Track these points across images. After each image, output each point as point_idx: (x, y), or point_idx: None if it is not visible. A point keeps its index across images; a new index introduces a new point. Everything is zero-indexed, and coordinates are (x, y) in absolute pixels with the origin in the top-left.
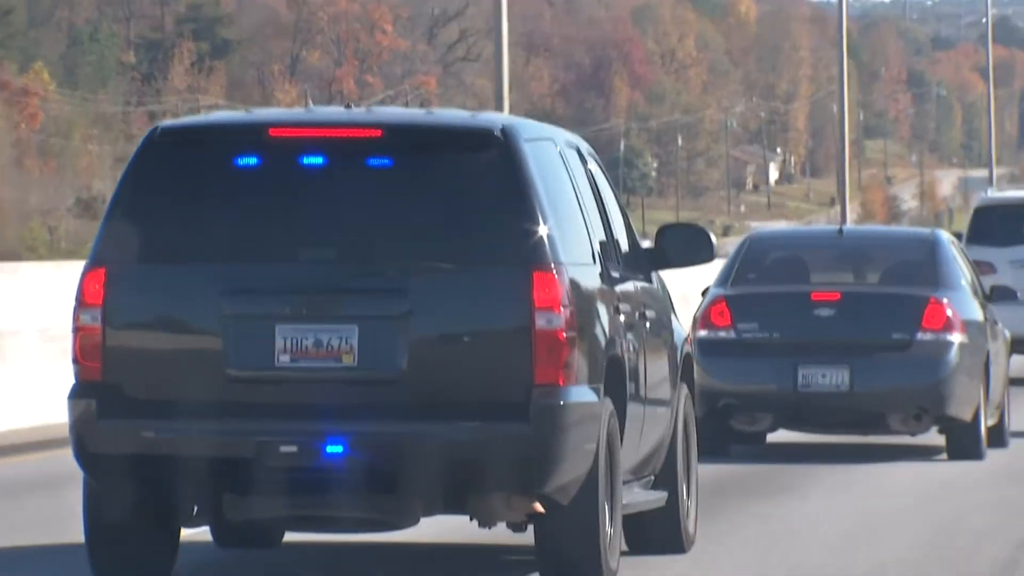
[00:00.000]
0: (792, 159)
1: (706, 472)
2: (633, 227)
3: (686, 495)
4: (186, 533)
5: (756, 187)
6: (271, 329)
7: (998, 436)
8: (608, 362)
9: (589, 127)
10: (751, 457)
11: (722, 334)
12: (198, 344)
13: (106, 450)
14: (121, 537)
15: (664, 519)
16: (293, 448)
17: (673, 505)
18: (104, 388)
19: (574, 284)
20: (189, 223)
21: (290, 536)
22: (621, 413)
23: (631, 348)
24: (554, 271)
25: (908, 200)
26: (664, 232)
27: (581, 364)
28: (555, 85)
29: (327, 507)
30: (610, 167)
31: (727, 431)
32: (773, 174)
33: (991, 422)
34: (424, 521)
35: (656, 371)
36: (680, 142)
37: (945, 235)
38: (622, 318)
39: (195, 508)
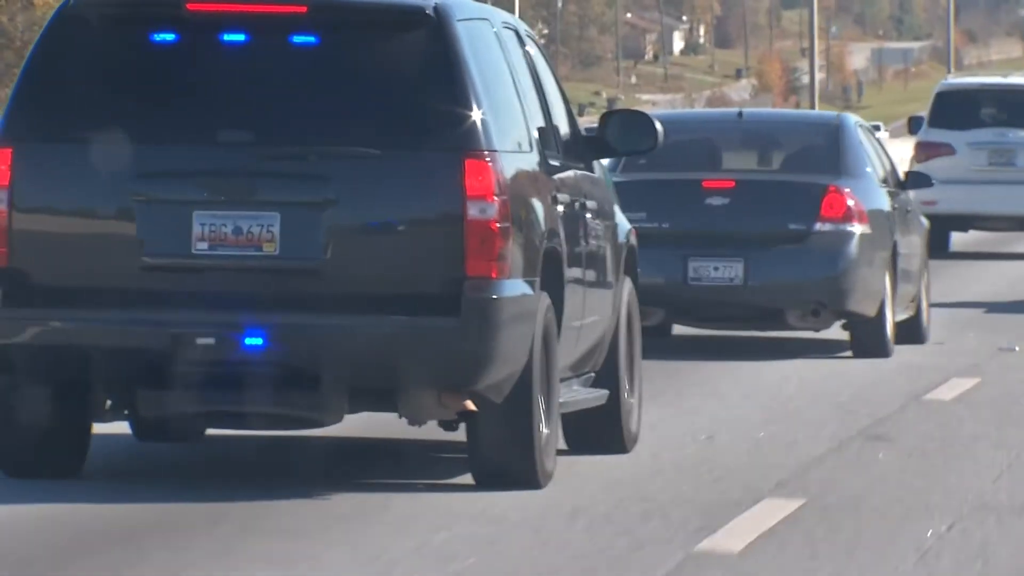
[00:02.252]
0: (701, 28)
1: None
2: (574, 114)
3: (629, 393)
4: (101, 426)
5: (656, 57)
6: (188, 215)
7: (915, 332)
8: (545, 254)
9: None
10: (656, 352)
11: None
12: (110, 229)
13: (12, 340)
14: (30, 431)
15: (606, 418)
16: (210, 340)
17: (615, 403)
18: (10, 274)
19: (509, 172)
20: (102, 101)
21: (213, 429)
22: (558, 307)
23: (570, 240)
24: (487, 158)
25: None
26: (607, 119)
27: (515, 256)
28: None
29: (246, 403)
30: None
31: None
32: (678, 44)
33: (904, 316)
34: (351, 418)
35: (597, 264)
36: (567, 5)
37: (852, 119)
38: (560, 208)
39: (108, 402)
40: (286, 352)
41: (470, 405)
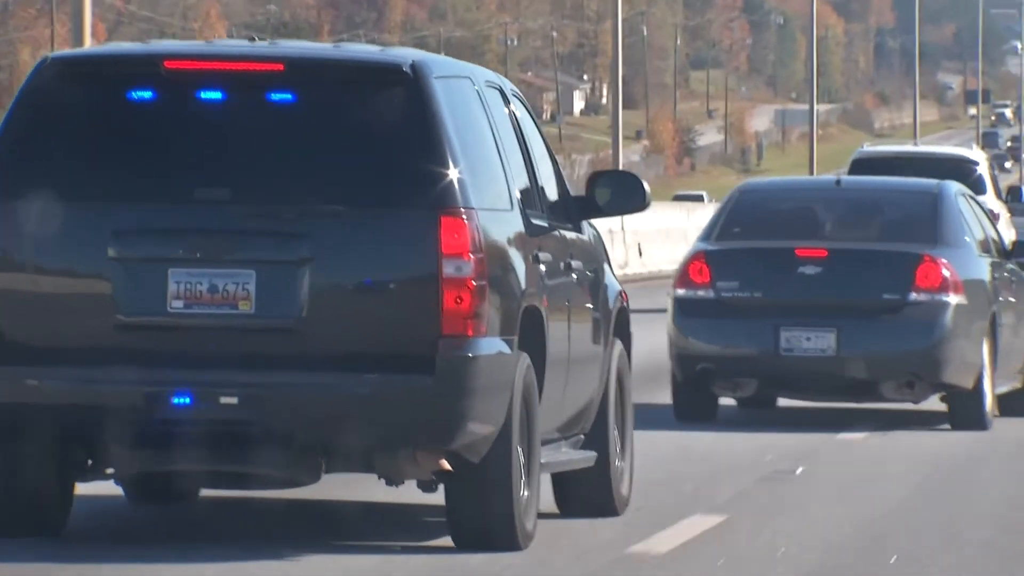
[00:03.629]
0: (604, 87)
1: (674, 439)
2: (563, 174)
3: (619, 457)
4: (98, 487)
5: (553, 117)
6: (164, 273)
7: (1020, 404)
8: (524, 313)
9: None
10: (737, 424)
11: (701, 293)
12: (86, 288)
13: None
14: (10, 490)
15: (595, 481)
16: (186, 399)
17: (603, 466)
18: None
19: (486, 230)
20: (79, 159)
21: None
22: (540, 367)
23: (552, 299)
24: (463, 216)
25: (708, 133)
26: (595, 180)
27: (492, 315)
28: None
29: (223, 462)
30: None
31: (710, 398)
32: (579, 104)
33: (1006, 388)
34: (333, 478)
35: (583, 325)
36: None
37: (954, 187)
38: (542, 268)
39: (89, 461)
40: (261, 412)
41: (445, 465)
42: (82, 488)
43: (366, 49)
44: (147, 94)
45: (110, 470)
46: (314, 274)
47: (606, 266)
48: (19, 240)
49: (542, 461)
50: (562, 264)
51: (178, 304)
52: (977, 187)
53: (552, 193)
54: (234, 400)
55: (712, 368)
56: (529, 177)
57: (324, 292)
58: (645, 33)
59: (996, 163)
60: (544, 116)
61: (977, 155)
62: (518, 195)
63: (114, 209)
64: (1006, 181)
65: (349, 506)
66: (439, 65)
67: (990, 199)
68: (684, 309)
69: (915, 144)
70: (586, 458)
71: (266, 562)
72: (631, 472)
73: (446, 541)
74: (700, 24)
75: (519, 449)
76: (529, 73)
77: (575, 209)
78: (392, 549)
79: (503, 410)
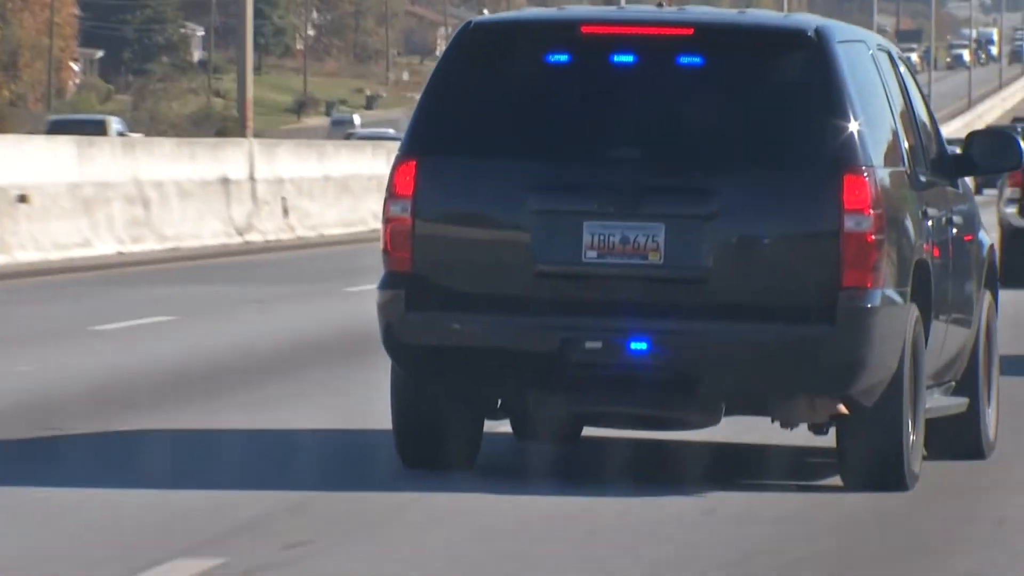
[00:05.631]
0: None
1: None
2: (941, 132)
3: (987, 402)
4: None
5: None
6: (579, 225)
7: None
8: (915, 266)
9: None
10: None
11: None
12: (506, 238)
13: (414, 340)
14: (428, 427)
15: (964, 426)
16: (597, 344)
17: (973, 411)
18: (413, 279)
19: (883, 187)
20: (499, 118)
21: (587, 431)
22: (926, 318)
23: (937, 253)
24: (864, 173)
25: None
26: (972, 138)
27: (888, 267)
28: None
29: (630, 404)
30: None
31: None
32: None
33: None
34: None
35: (961, 277)
36: None
37: None
38: (929, 223)
39: (499, 401)
40: (669, 357)
41: (843, 408)
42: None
43: (769, 15)
44: (564, 57)
45: (516, 410)
46: (720, 228)
47: (978, 220)
48: (443, 194)
49: (925, 407)
50: (944, 219)
51: (592, 254)
52: None
53: (932, 151)
54: (643, 345)
55: None
56: (915, 136)
57: (729, 245)
58: None
59: None
60: (437, 52)
61: None
62: (907, 152)
63: (534, 165)
64: None
65: (735, 448)
66: (840, 30)
67: None
68: None
69: None
70: (959, 404)
71: (674, 498)
72: (997, 417)
73: (831, 481)
74: None
75: (907, 395)
76: (412, 4)
77: (952, 166)
78: (787, 488)
79: (896, 357)
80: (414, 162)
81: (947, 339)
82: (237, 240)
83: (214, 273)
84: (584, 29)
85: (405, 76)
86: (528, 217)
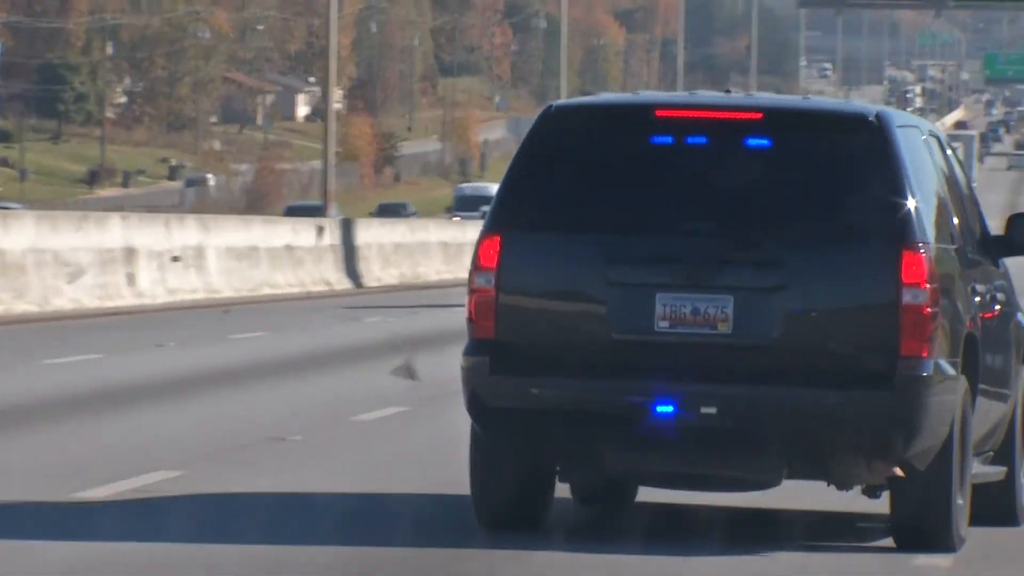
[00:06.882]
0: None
1: None
2: (983, 214)
3: (1022, 471)
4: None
5: (265, 122)
6: (652, 296)
7: None
8: (965, 340)
9: (48, 39)
10: None
11: None
12: (584, 308)
13: (497, 404)
14: (506, 487)
15: (1000, 493)
16: (669, 408)
17: (1009, 480)
18: (497, 346)
19: (937, 263)
20: (577, 195)
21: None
22: (973, 388)
23: (983, 327)
24: (921, 250)
25: (430, 142)
26: (1015, 220)
27: (942, 339)
28: None
29: (701, 464)
30: (52, 81)
31: None
32: (304, 108)
33: None
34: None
35: (1001, 352)
36: (154, 57)
37: None
38: (976, 299)
39: (573, 462)
40: (738, 420)
41: (898, 471)
42: None
43: (831, 101)
44: (639, 139)
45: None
46: (787, 299)
47: (1015, 298)
48: (525, 267)
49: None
50: (988, 295)
51: (664, 324)
52: None
53: (976, 230)
54: (713, 410)
55: None
56: (962, 216)
57: (795, 315)
58: (374, 29)
59: None
60: (257, 121)
61: None
62: (957, 231)
63: (610, 240)
64: None
65: (783, 512)
66: (897, 116)
67: None
68: None
69: None
70: (998, 472)
71: (713, 557)
72: None
73: (883, 543)
74: (457, 27)
75: (956, 460)
76: (229, 73)
77: (994, 246)
78: (843, 548)
79: (948, 424)
80: (498, 237)
81: (988, 410)
82: None
83: None
84: (659, 113)
85: (217, 146)
86: (605, 288)
